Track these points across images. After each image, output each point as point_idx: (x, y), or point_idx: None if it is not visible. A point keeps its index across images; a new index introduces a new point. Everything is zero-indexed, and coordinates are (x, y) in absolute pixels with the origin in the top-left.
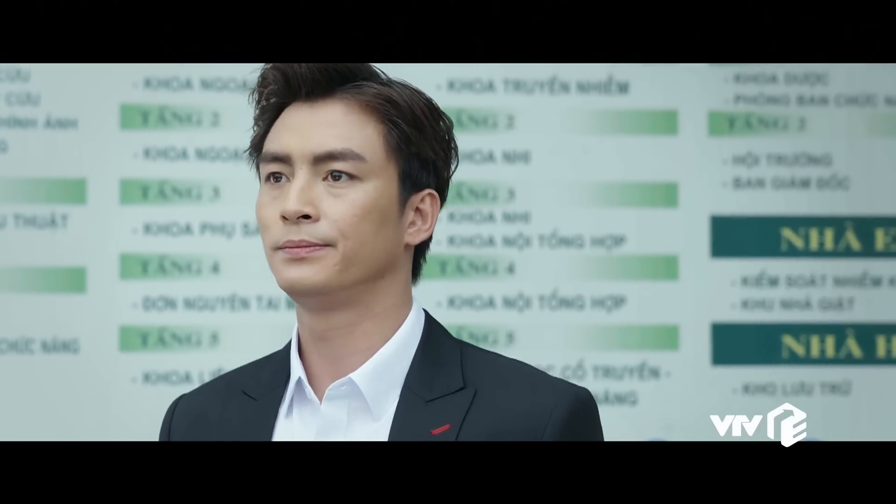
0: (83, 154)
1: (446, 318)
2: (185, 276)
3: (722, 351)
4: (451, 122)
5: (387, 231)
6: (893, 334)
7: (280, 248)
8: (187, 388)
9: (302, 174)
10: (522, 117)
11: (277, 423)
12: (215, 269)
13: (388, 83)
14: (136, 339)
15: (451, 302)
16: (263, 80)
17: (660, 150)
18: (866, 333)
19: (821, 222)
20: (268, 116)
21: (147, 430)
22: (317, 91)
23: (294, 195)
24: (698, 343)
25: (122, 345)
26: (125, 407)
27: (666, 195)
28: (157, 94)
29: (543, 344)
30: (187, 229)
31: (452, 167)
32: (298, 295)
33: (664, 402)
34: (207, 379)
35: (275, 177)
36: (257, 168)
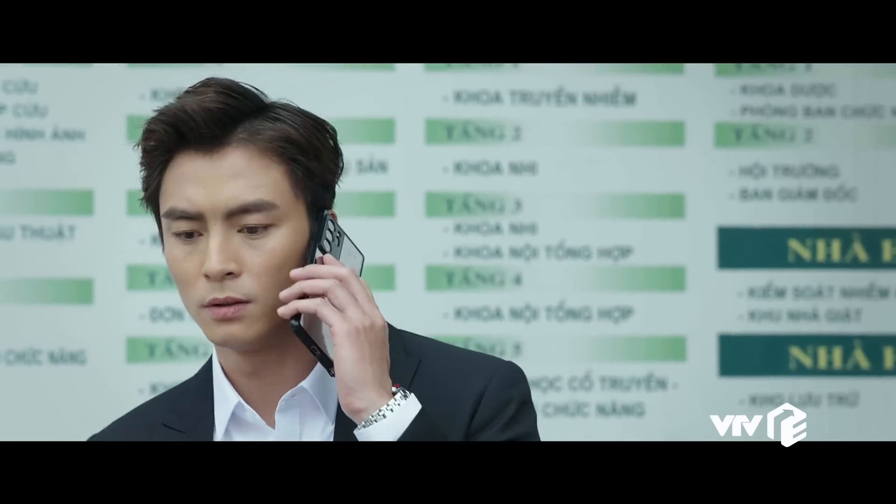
0: (90, 165)
1: (453, 330)
2: None
3: (729, 362)
4: (334, 129)
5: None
6: None
7: (205, 306)
8: (111, 422)
9: (217, 230)
10: (529, 129)
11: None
12: None
13: (276, 114)
14: (143, 350)
15: (458, 313)
16: (150, 134)
17: (666, 162)
18: (874, 345)
19: (828, 233)
20: (157, 166)
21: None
22: (212, 140)
23: (215, 255)
24: (705, 354)
25: (129, 356)
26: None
27: (672, 206)
28: (164, 105)
29: (550, 355)
30: None
31: (341, 173)
32: (233, 348)
33: (671, 413)
34: None
35: (186, 233)
36: (157, 218)
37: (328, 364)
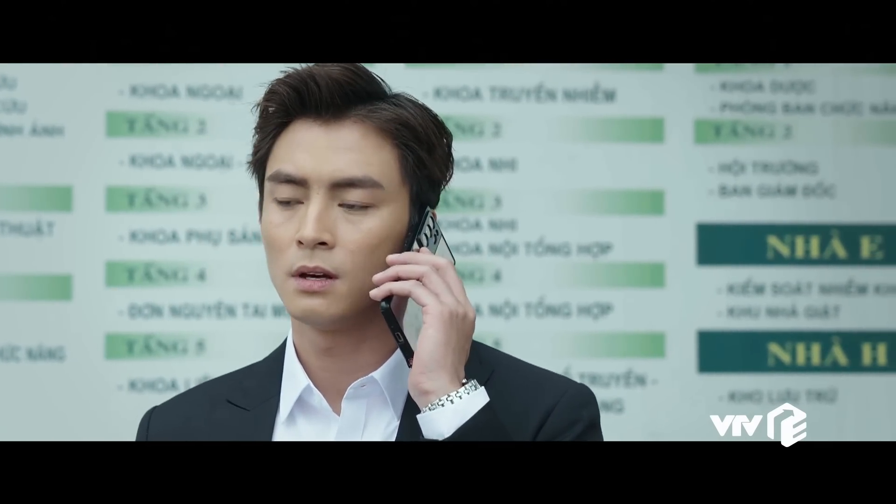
0: (69, 161)
1: None
2: (172, 283)
3: (708, 358)
4: (451, 135)
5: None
6: (879, 342)
7: (293, 274)
8: (174, 396)
9: (318, 199)
10: (509, 125)
11: (276, 432)
12: (201, 276)
13: (398, 101)
14: (122, 346)
15: None
16: (272, 94)
17: (646, 158)
18: (852, 341)
19: (807, 230)
20: (272, 130)
21: (133, 438)
22: (331, 111)
23: (312, 222)
24: (684, 350)
25: (108, 352)
26: (111, 415)
27: (652, 203)
28: (144, 101)
29: (530, 351)
30: (173, 237)
31: (449, 180)
32: (312, 324)
33: (650, 409)
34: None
35: (286, 201)
36: (260, 183)
37: (409, 353)
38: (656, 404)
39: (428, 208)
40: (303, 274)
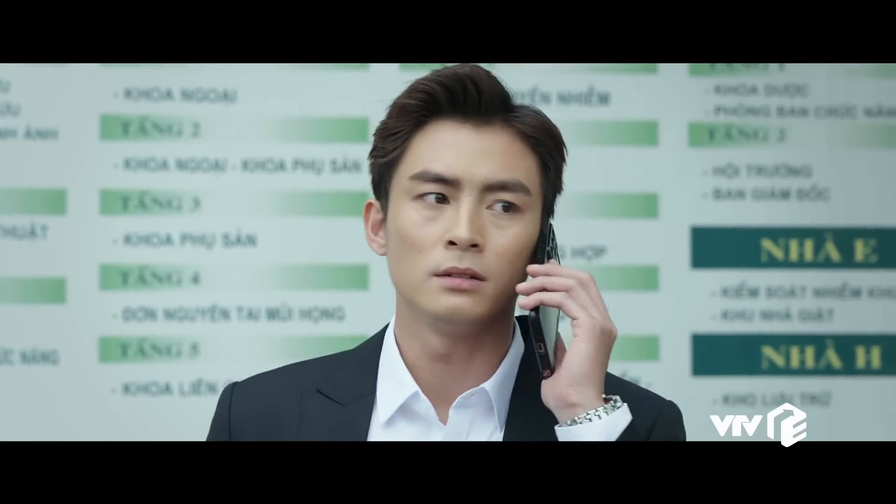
0: (63, 164)
1: None
2: (166, 286)
3: (702, 362)
4: (562, 138)
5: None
6: (873, 345)
7: (439, 274)
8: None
9: (470, 201)
10: None
11: (371, 432)
12: (195, 279)
13: (533, 109)
14: (116, 349)
15: None
16: (417, 93)
17: (640, 161)
18: (846, 344)
19: (801, 233)
20: (406, 129)
21: (128, 440)
22: (482, 114)
23: (466, 223)
24: (678, 354)
25: (101, 356)
26: (105, 418)
27: (646, 206)
28: (138, 104)
29: None
30: (167, 240)
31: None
32: (453, 323)
33: None
34: (188, 390)
35: (436, 195)
36: (387, 184)
37: (546, 364)
38: None
39: (550, 220)
40: (448, 274)
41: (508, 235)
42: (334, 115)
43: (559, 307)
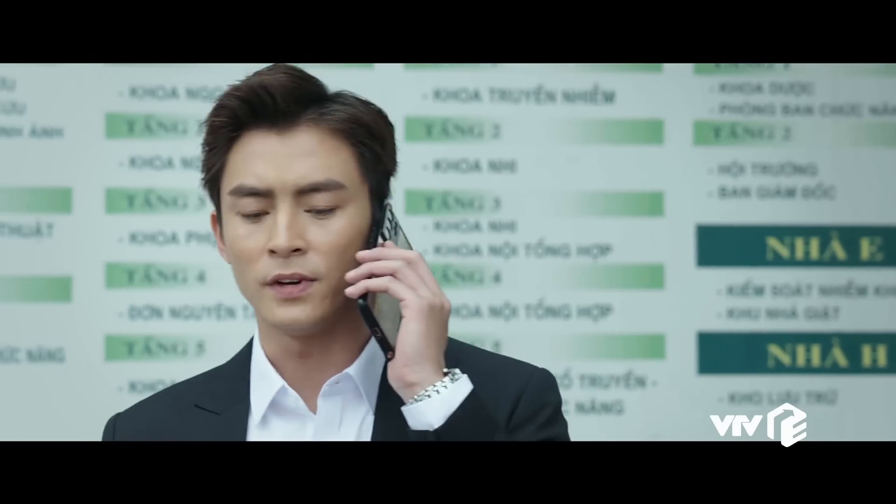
0: (69, 163)
1: None
2: (171, 285)
3: (708, 360)
4: (394, 127)
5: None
6: (879, 343)
7: (268, 283)
8: (137, 402)
9: (286, 207)
10: (508, 126)
11: (249, 434)
12: (201, 277)
13: (345, 100)
14: (121, 348)
15: None
16: (221, 109)
17: (645, 160)
18: (852, 342)
19: (806, 231)
20: (223, 145)
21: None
22: (286, 118)
23: (283, 231)
24: (684, 352)
25: (107, 354)
26: (111, 416)
27: (651, 204)
28: (143, 102)
29: (530, 353)
30: (173, 238)
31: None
32: (295, 332)
33: (650, 411)
34: None
35: (253, 214)
36: (216, 199)
37: (387, 347)
38: (656, 406)
39: (386, 201)
40: (278, 282)
41: (332, 232)
42: None
43: (385, 291)
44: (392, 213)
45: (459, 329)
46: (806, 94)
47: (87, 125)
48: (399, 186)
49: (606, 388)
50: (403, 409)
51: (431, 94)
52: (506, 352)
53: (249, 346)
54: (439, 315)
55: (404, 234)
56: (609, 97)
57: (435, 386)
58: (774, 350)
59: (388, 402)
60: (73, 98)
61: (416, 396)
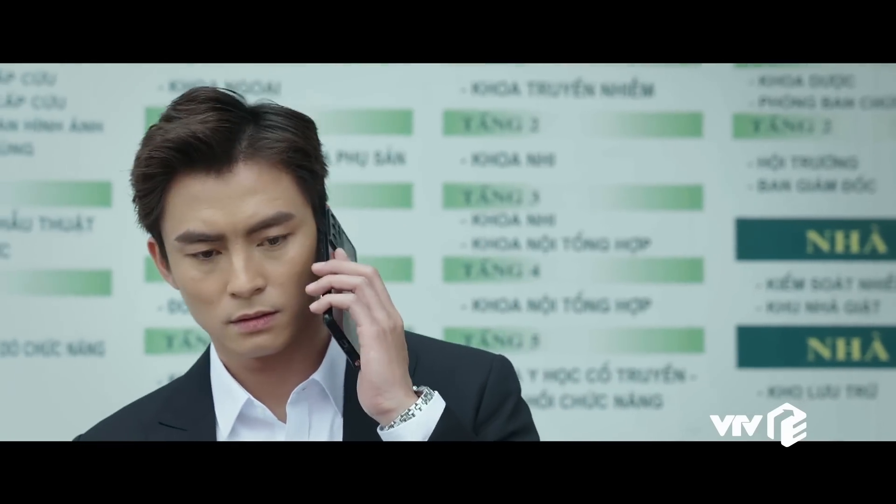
0: (108, 157)
1: (471, 321)
2: None
3: (747, 354)
4: (314, 123)
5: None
6: None
7: (234, 321)
8: (96, 423)
9: (239, 248)
10: (547, 120)
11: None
12: None
13: (268, 121)
14: (161, 341)
15: (476, 305)
16: (151, 160)
17: (684, 153)
18: (892, 336)
19: (846, 225)
20: (158, 191)
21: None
22: (221, 158)
23: (243, 274)
24: (724, 346)
25: (147, 347)
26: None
27: (691, 198)
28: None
29: (568, 347)
30: None
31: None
32: (261, 356)
33: (689, 404)
34: None
35: (203, 253)
36: (159, 237)
37: (355, 356)
38: (695, 400)
39: (326, 206)
40: (242, 319)
41: (286, 262)
42: (378, 107)
43: (347, 309)
44: (333, 217)
45: (498, 323)
46: (846, 86)
47: (127, 119)
48: (437, 180)
49: (645, 381)
50: (381, 432)
51: (470, 87)
52: (545, 345)
53: (206, 359)
54: (396, 336)
55: (346, 236)
56: (648, 90)
57: (409, 410)
58: (814, 344)
59: (354, 403)
60: (114, 92)
61: (392, 423)
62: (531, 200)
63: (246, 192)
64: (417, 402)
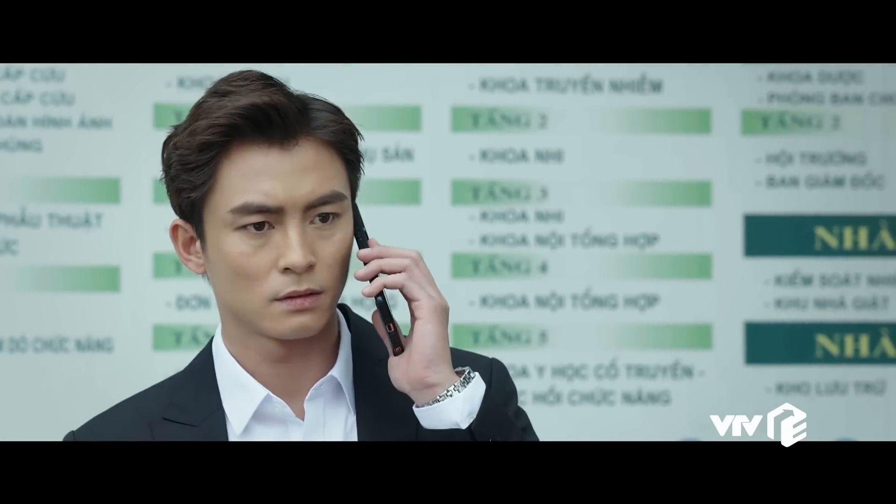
0: (117, 153)
1: (478, 318)
2: None
3: (755, 350)
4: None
5: None
6: None
7: (280, 299)
8: (91, 418)
9: (296, 223)
10: (555, 116)
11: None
12: None
13: (323, 107)
14: (169, 338)
15: (484, 301)
16: (216, 127)
17: (693, 149)
18: None
19: (855, 221)
20: (209, 163)
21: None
22: (286, 132)
23: (299, 248)
24: (732, 342)
25: (155, 344)
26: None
27: (699, 194)
28: (191, 93)
29: (576, 343)
30: None
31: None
32: (293, 337)
33: (697, 401)
34: None
35: (256, 226)
36: (198, 215)
37: (397, 342)
38: (703, 396)
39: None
40: (289, 296)
41: (335, 244)
42: (386, 104)
43: (401, 288)
44: (358, 210)
45: (506, 319)
46: (855, 82)
47: (136, 116)
48: (446, 176)
49: (653, 378)
50: (420, 409)
51: (478, 84)
52: (553, 341)
53: (208, 355)
54: (447, 316)
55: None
56: (656, 86)
57: (455, 386)
58: (823, 340)
59: (366, 401)
60: (122, 89)
61: (437, 397)
62: (539, 197)
63: (307, 168)
64: (461, 379)
